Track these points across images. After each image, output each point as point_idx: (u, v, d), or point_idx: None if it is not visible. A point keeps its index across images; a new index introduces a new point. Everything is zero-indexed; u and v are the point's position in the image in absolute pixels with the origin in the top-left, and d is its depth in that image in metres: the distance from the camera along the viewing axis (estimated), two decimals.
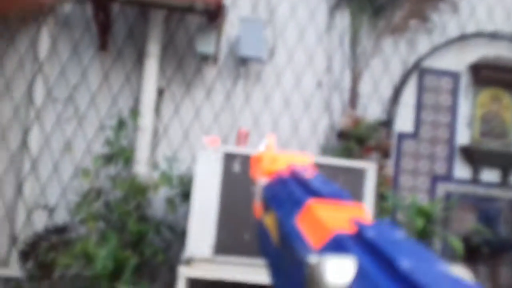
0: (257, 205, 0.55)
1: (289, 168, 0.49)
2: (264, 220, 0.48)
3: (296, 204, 0.36)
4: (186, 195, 2.96)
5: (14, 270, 3.18)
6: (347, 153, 3.26)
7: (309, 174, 0.43)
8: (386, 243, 0.23)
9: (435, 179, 3.69)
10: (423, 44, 3.77)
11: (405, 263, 0.21)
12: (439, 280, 0.19)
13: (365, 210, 0.33)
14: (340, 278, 0.22)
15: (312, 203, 0.34)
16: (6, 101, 3.41)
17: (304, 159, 0.56)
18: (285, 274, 0.33)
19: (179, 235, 3.04)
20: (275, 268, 0.38)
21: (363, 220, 0.28)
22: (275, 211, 0.42)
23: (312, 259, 0.24)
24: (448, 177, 3.70)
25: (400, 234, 0.26)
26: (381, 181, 3.19)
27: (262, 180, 0.55)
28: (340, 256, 0.23)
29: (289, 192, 0.41)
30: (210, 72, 3.57)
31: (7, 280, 3.20)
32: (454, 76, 3.78)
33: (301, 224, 0.33)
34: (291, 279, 0.30)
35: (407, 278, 0.20)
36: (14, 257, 3.20)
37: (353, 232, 0.27)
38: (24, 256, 2.98)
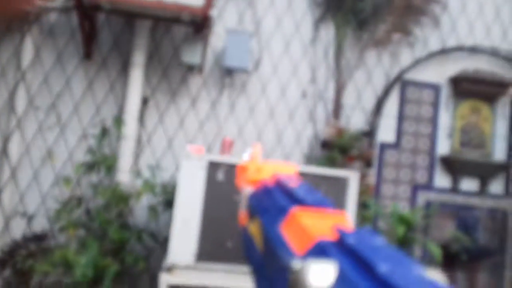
0: (242, 213, 0.55)
1: (274, 177, 0.50)
2: (249, 228, 0.49)
3: (281, 212, 0.37)
4: (169, 203, 2.94)
5: None
6: (331, 162, 3.28)
7: (293, 183, 0.44)
8: (366, 248, 0.24)
9: (416, 188, 3.73)
10: (405, 57, 3.84)
11: (383, 268, 0.22)
12: (416, 283, 0.20)
13: (347, 218, 0.34)
14: (322, 281, 0.23)
15: (296, 211, 0.35)
16: None
17: (289, 168, 0.57)
18: (269, 280, 0.33)
19: (161, 243, 3.01)
20: (260, 275, 0.38)
21: (344, 228, 0.29)
22: (260, 218, 0.42)
23: (296, 264, 0.25)
24: (428, 186, 3.75)
25: (379, 241, 0.27)
26: (363, 189, 3.21)
27: (247, 189, 0.55)
28: (322, 261, 0.24)
29: (274, 201, 0.42)
30: (195, 82, 3.58)
31: None
32: (435, 88, 3.85)
33: (285, 231, 0.34)
34: (275, 285, 0.30)
35: (385, 281, 0.21)
36: None
37: (335, 239, 0.28)
38: (1, 264, 2.91)
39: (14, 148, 3.30)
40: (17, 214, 3.20)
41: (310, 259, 0.25)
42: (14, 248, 2.89)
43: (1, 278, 2.96)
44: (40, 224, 3.22)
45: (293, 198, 0.38)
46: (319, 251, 0.27)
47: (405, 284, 0.19)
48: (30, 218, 3.18)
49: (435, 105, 3.83)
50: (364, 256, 0.23)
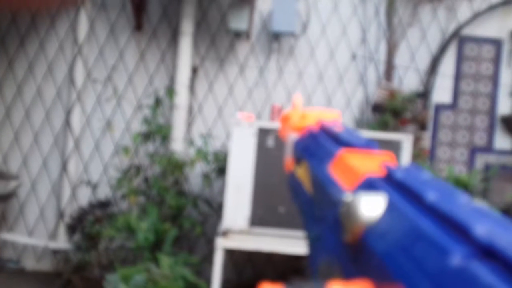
0: (288, 160, 0.57)
1: (318, 123, 0.51)
2: (296, 172, 0.50)
3: (328, 155, 0.38)
4: (221, 171, 3.02)
5: (62, 242, 3.38)
6: (383, 126, 3.21)
7: (338, 128, 0.44)
8: (414, 181, 0.25)
9: (474, 151, 3.59)
10: (463, 11, 3.61)
11: (431, 196, 0.22)
12: (463, 209, 0.21)
13: (394, 158, 0.35)
14: (373, 212, 0.24)
15: (343, 153, 0.36)
16: (49, 83, 3.56)
17: (332, 114, 0.57)
18: (319, 219, 0.34)
19: (216, 208, 3.13)
20: (309, 216, 0.40)
21: (392, 164, 0.29)
22: (308, 161, 0.43)
23: (346, 197, 0.26)
24: (487, 148, 3.58)
25: (427, 175, 0.27)
26: (417, 153, 3.13)
27: (292, 136, 0.56)
28: (372, 194, 0.25)
29: (320, 145, 0.43)
30: (243, 48, 3.57)
31: (56, 252, 3.40)
32: (496, 44, 3.61)
33: (334, 171, 0.35)
34: (325, 221, 0.32)
35: (434, 209, 0.21)
36: (62, 230, 3.39)
37: (383, 175, 0.29)
38: (71, 229, 3.15)
39: (76, 120, 3.49)
40: (82, 183, 3.43)
41: (360, 193, 0.26)
42: (82, 214, 3.12)
43: (72, 242, 3.22)
44: (103, 192, 3.43)
45: (339, 142, 0.39)
46: (368, 186, 0.28)
47: (453, 210, 0.20)
48: (94, 187, 3.40)
49: (496, 61, 3.60)
50: (412, 188, 0.24)
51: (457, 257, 0.18)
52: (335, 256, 0.28)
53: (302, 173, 0.44)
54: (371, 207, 0.24)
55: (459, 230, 0.19)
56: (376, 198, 0.25)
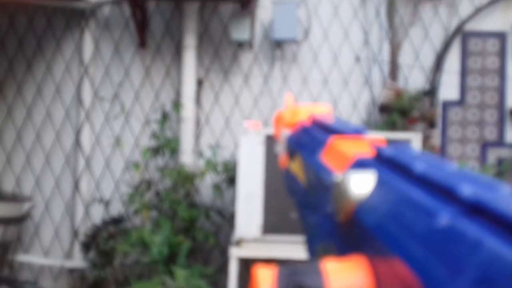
0: (282, 157, 0.57)
1: (310, 118, 0.51)
2: (290, 167, 0.50)
3: (319, 144, 0.39)
4: (231, 180, 3.03)
5: (78, 261, 3.40)
6: (391, 126, 3.20)
7: (329, 120, 0.45)
8: (403, 156, 0.26)
9: (485, 146, 3.54)
10: (465, 7, 3.60)
11: (419, 167, 0.23)
12: (452, 176, 0.21)
13: (384, 141, 0.35)
14: (363, 189, 0.25)
15: (333, 140, 0.36)
16: (58, 105, 3.61)
17: (323, 109, 0.58)
18: (313, 207, 0.35)
19: (228, 219, 3.12)
20: (305, 207, 0.40)
21: (381, 145, 0.30)
22: (300, 153, 0.44)
23: (337, 177, 0.26)
24: (499, 142, 3.54)
25: (416, 151, 0.28)
26: (428, 151, 3.11)
27: (285, 132, 0.57)
28: (361, 172, 0.26)
29: (312, 137, 0.44)
30: (246, 58, 3.60)
31: (73, 271, 3.42)
32: (500, 37, 3.59)
33: (325, 158, 0.35)
34: (319, 208, 0.32)
35: (421, 178, 0.22)
36: (77, 249, 3.41)
37: (373, 155, 0.29)
38: (86, 247, 3.17)
39: (86, 139, 3.53)
40: (95, 200, 3.46)
41: (349, 172, 0.26)
42: (96, 231, 3.14)
43: (87, 260, 3.24)
44: (116, 208, 3.45)
45: (330, 131, 0.39)
46: (358, 166, 0.29)
47: (440, 177, 0.20)
48: (106, 203, 3.43)
49: (501, 55, 3.57)
50: (400, 162, 0.25)
51: (444, 217, 0.18)
52: (331, 238, 0.28)
53: (296, 167, 0.45)
54: (360, 184, 0.25)
55: (446, 193, 0.19)
56: (365, 175, 0.25)
